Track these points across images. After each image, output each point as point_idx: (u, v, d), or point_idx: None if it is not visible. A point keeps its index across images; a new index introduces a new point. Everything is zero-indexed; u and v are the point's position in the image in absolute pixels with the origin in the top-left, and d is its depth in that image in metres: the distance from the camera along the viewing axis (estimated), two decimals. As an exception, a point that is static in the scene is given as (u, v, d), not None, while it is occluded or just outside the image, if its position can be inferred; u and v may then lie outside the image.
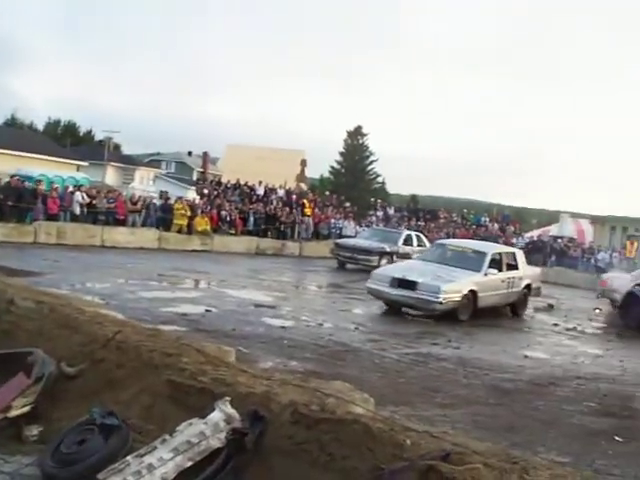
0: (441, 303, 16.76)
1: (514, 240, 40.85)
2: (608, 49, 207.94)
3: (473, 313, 17.55)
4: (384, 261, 29.10)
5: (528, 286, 20.41)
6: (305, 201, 38.02)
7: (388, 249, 29.65)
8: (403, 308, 17.57)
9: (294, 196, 41.64)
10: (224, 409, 4.48)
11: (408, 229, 36.87)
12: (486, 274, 18.42)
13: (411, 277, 17.30)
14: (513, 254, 20.93)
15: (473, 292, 17.63)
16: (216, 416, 4.45)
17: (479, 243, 24.15)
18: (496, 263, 19.11)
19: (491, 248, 20.69)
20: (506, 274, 19.33)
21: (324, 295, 21.59)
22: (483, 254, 19.24)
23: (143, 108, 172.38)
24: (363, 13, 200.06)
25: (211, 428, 4.39)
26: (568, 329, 18.33)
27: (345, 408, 4.59)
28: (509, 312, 19.79)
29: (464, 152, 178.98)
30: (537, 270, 23.32)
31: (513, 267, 19.92)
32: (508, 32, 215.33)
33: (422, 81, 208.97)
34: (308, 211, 37.12)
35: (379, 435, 4.22)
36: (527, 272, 20.82)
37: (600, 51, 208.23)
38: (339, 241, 31.94)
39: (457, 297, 17.18)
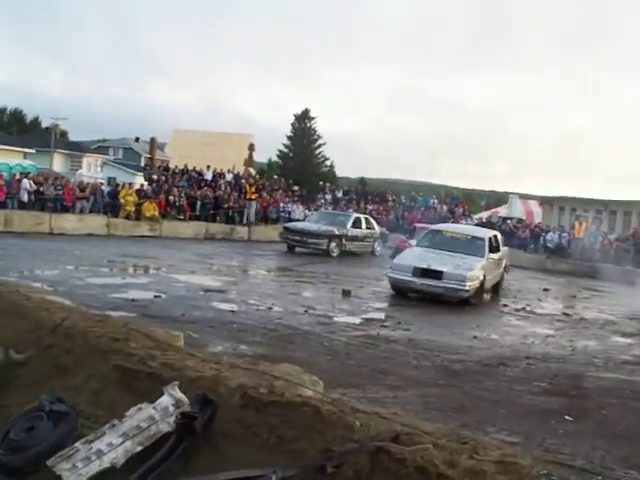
0: (467, 290, 17.91)
1: (462, 221, 41.11)
2: (542, 25, 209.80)
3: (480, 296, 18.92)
4: (333, 244, 29.30)
5: (505, 265, 21.95)
6: (247, 186, 37.77)
7: (337, 232, 29.81)
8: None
9: (243, 180, 41.51)
10: (173, 393, 4.46)
11: (357, 212, 37.00)
12: (488, 258, 19.65)
13: (436, 267, 18.13)
14: (496, 236, 21.90)
15: (484, 277, 18.89)
16: (165, 400, 4.43)
17: (472, 228, 25.78)
18: (491, 246, 20.36)
19: (486, 233, 21.99)
20: (496, 255, 20.82)
21: (273, 279, 21.60)
22: (482, 239, 20.37)
23: (90, 95, 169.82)
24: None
25: (160, 413, 4.38)
26: (517, 310, 18.53)
27: (294, 391, 4.60)
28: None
29: (412, 134, 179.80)
30: (506, 249, 23.92)
31: (497, 249, 21.05)
32: (439, 16, 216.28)
33: (367, 64, 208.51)
34: (252, 195, 36.86)
35: (328, 417, 4.23)
36: (504, 252, 22.23)
37: (542, 25, 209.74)
38: (288, 225, 31.94)
39: (477, 283, 18.42)
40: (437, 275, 18.02)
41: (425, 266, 18.23)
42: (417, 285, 18.25)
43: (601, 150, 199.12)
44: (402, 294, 18.57)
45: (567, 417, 8.45)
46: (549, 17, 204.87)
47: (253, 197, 36.65)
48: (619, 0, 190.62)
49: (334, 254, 29.43)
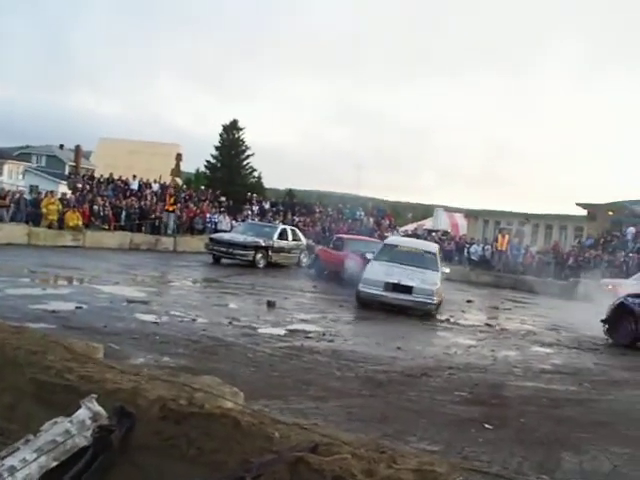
0: (434, 304, 19.50)
1: (389, 234, 41.43)
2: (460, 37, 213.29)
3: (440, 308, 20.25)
4: (259, 255, 29.30)
5: None
6: (167, 196, 37.41)
7: (263, 243, 29.81)
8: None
9: (170, 190, 41.24)
10: (90, 406, 4.39)
11: (283, 223, 37.05)
12: (441, 272, 21.35)
13: (406, 282, 19.54)
14: (440, 250, 24.24)
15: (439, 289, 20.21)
16: (82, 414, 4.36)
17: (421, 242, 27.54)
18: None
19: (434, 247, 23.78)
20: (446, 269, 22.95)
21: (198, 290, 21.48)
22: (434, 254, 22.19)
23: (12, 100, 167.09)
24: (237, 11, 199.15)
25: (77, 426, 4.30)
26: (441, 321, 18.79)
27: (214, 402, 4.58)
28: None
29: (340, 147, 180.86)
30: None
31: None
32: (367, 28, 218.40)
33: (296, 76, 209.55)
34: (170, 207, 36.45)
35: (248, 428, 4.22)
36: None
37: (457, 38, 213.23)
38: (214, 236, 31.77)
39: (440, 297, 20.03)
40: (407, 290, 19.41)
41: (396, 281, 19.54)
42: (388, 299, 19.42)
43: (525, 164, 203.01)
44: (367, 306, 19.55)
45: (487, 425, 8.59)
46: (474, 29, 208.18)
47: (171, 209, 36.27)
48: (542, 12, 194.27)
49: (260, 265, 29.36)
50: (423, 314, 19.12)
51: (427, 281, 19.88)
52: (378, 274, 20.06)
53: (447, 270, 22.95)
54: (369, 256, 22.86)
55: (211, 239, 30.94)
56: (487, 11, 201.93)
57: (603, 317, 17.64)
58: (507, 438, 8.19)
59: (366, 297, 19.75)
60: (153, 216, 36.19)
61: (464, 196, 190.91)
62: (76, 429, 4.30)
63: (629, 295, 17.88)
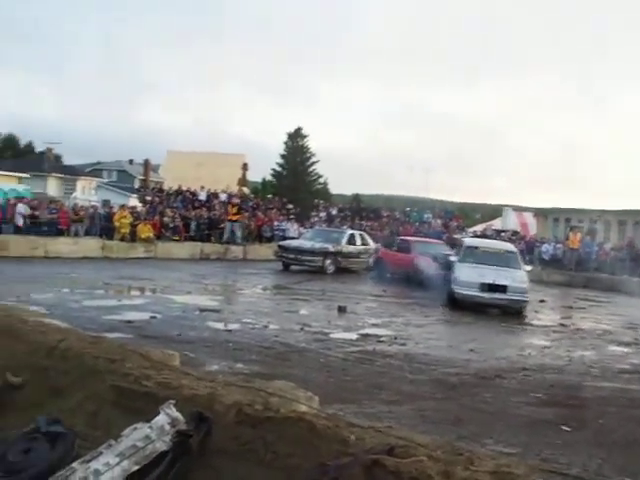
0: (527, 301, 20.73)
1: (457, 235, 41.15)
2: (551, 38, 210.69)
3: None
4: (328, 261, 29.28)
5: None
6: (229, 206, 37.61)
7: (332, 249, 29.78)
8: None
9: (237, 200, 41.55)
10: (169, 412, 4.48)
11: (352, 228, 37.04)
12: (524, 270, 22.36)
13: (500, 281, 20.49)
14: None
15: None
16: (161, 419, 4.45)
17: (500, 242, 28.86)
18: None
19: (512, 246, 25.57)
20: (528, 267, 24.08)
21: (269, 297, 21.59)
22: (515, 253, 23.50)
23: (83, 118, 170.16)
24: (296, 19, 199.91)
25: (156, 431, 4.40)
26: (514, 321, 18.61)
27: (289, 407, 4.63)
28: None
29: (406, 150, 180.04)
30: None
31: None
32: (433, 30, 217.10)
33: (360, 80, 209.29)
34: (234, 217, 36.48)
35: (323, 432, 4.25)
36: None
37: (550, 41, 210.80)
38: (282, 243, 31.87)
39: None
40: (502, 289, 20.36)
41: (491, 281, 20.44)
42: (485, 299, 20.39)
43: (595, 160, 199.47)
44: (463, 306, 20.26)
45: (564, 427, 8.48)
46: (546, 26, 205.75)
47: (234, 218, 36.41)
48: (618, 6, 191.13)
49: (329, 271, 29.39)
50: (515, 312, 20.19)
51: (517, 279, 20.90)
52: (471, 275, 20.78)
53: (529, 268, 23.72)
54: (439, 258, 23.55)
55: (280, 246, 31.06)
56: (556, 6, 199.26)
57: None
58: (585, 440, 8.08)
59: (462, 298, 20.53)
60: (221, 226, 36.42)
61: (533, 195, 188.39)
62: (155, 434, 4.39)
63: None
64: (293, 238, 35.01)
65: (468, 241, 26.44)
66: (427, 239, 33.57)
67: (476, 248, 23.30)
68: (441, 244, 31.34)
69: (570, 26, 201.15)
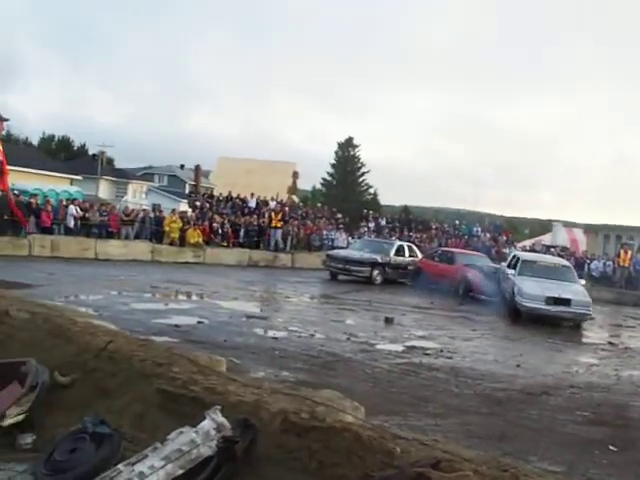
0: (590, 314, 21.45)
1: (506, 250, 40.88)
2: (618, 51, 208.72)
3: None
4: (376, 272, 29.19)
5: None
6: (273, 214, 37.63)
7: (380, 260, 29.70)
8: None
9: (286, 208, 41.66)
10: (215, 418, 4.49)
11: (400, 240, 36.94)
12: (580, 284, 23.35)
13: (565, 295, 21.04)
14: None
15: None
16: (207, 424, 4.46)
17: (554, 258, 29.41)
18: None
19: (566, 261, 26.34)
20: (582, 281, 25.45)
21: (316, 306, 21.60)
22: (570, 267, 24.37)
23: (136, 122, 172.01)
24: (348, 28, 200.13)
25: (202, 436, 4.40)
26: (561, 338, 18.41)
27: (335, 416, 4.61)
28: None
29: (456, 162, 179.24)
30: None
31: None
32: (484, 42, 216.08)
33: (411, 91, 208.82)
34: (278, 223, 36.55)
35: (369, 443, 4.23)
36: None
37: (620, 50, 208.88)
38: (331, 252, 31.84)
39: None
40: (567, 302, 20.89)
41: (556, 295, 20.90)
42: (551, 312, 20.80)
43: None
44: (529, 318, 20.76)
45: (611, 447, 8.35)
46: (602, 40, 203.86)
47: (278, 225, 36.39)
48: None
49: (377, 282, 29.25)
50: (579, 322, 21.31)
51: (580, 293, 21.79)
52: (535, 289, 21.21)
53: (583, 282, 24.67)
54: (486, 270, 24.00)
55: (328, 255, 31.01)
56: (608, 20, 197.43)
57: None
58: (633, 461, 7.96)
59: (528, 311, 21.01)
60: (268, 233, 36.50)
61: (583, 211, 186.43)
62: (201, 439, 4.40)
63: None
64: (342, 247, 35.01)
65: (525, 255, 26.66)
66: (468, 251, 33.91)
67: (534, 262, 23.65)
68: (483, 256, 31.75)
69: (625, 42, 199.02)
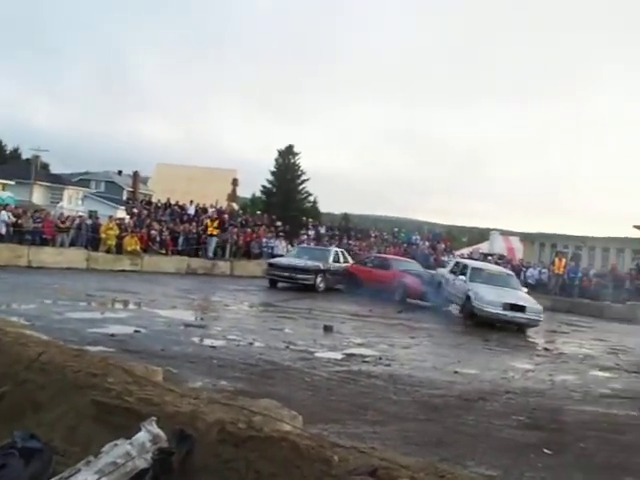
0: (541, 320, 22.87)
1: (445, 258, 41.30)
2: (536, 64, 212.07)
3: None
4: (319, 279, 29.27)
5: None
6: (208, 221, 37.44)
7: (322, 267, 29.82)
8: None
9: (226, 216, 41.47)
10: (150, 429, 4.41)
11: (339, 247, 37.06)
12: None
13: (519, 302, 22.59)
14: None
15: None
16: (142, 436, 4.38)
17: (498, 266, 30.53)
18: None
19: (508, 270, 27.74)
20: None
21: (255, 314, 21.52)
22: (513, 276, 26.37)
23: (73, 127, 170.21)
24: (290, 37, 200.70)
25: (137, 448, 4.32)
26: (498, 345, 18.62)
27: (273, 426, 4.56)
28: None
29: (396, 171, 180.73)
30: None
31: None
32: (425, 53, 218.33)
33: (352, 100, 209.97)
34: (214, 231, 36.32)
35: (307, 452, 4.19)
36: None
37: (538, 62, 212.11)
38: (272, 261, 31.81)
39: None
40: (521, 309, 22.37)
41: (513, 301, 22.41)
42: (508, 317, 22.28)
43: (580, 187, 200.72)
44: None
45: (546, 450, 8.49)
46: (535, 54, 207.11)
47: (214, 232, 36.21)
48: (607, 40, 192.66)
49: (320, 289, 29.40)
50: (531, 327, 22.64)
51: (529, 300, 23.34)
52: (491, 295, 22.67)
53: (525, 289, 25.45)
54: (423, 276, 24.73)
55: (270, 264, 30.97)
56: (545, 39, 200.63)
57: None
58: (567, 463, 8.11)
59: (486, 315, 22.33)
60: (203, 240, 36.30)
61: (519, 219, 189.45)
62: (136, 451, 4.31)
63: None
64: (280, 255, 34.97)
65: (473, 263, 27.86)
66: (399, 257, 34.95)
67: (482, 270, 25.01)
68: (414, 263, 32.56)
69: (565, 62, 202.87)
